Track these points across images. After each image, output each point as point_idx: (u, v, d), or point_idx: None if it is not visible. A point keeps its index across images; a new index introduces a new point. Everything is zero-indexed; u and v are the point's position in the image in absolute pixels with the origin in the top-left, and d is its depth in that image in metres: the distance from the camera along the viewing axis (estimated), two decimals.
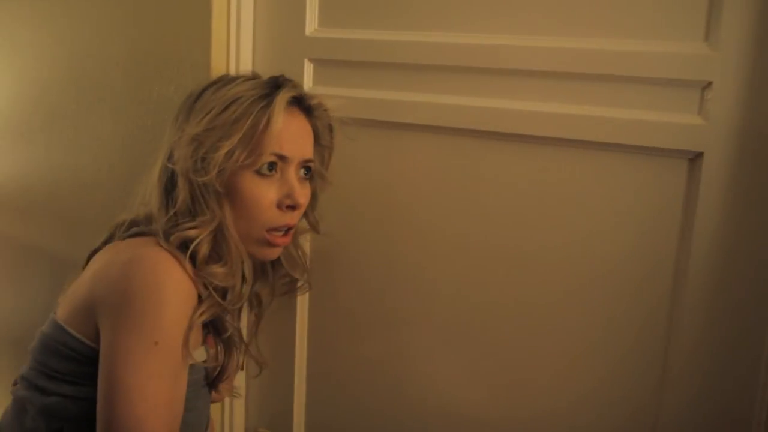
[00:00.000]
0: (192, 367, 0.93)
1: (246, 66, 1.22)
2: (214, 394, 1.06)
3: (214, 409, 1.31)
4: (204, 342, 0.99)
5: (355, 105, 1.14)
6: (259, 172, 0.95)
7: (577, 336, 1.03)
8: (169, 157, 0.96)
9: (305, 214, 1.09)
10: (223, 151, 0.92)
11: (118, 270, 0.86)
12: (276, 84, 0.99)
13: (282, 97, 0.95)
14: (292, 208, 0.98)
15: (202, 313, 0.91)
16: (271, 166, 0.96)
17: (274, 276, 1.13)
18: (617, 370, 1.00)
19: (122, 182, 1.30)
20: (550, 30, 0.99)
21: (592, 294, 1.01)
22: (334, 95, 1.14)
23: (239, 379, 1.33)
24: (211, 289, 0.92)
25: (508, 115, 1.03)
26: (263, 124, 0.93)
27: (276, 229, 0.98)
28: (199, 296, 0.91)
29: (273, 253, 1.02)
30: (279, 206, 0.97)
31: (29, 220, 1.54)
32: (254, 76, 1.01)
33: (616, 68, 0.95)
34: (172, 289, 0.85)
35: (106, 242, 1.00)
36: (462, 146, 1.08)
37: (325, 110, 1.06)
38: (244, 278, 0.98)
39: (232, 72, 1.21)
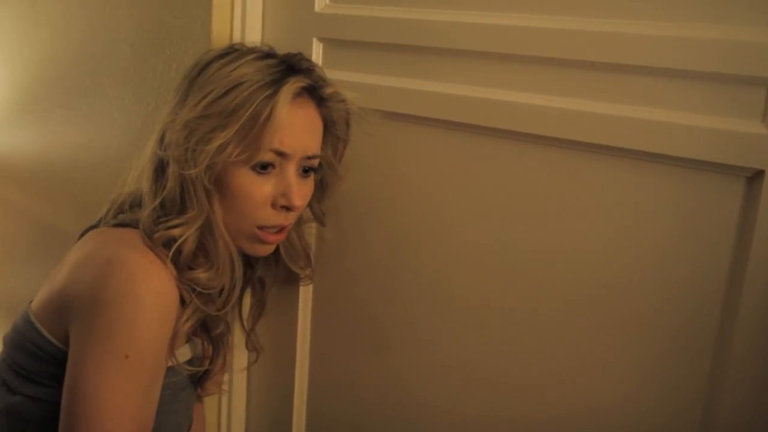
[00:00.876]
0: (170, 369, 0.86)
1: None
2: (200, 391, 0.99)
3: (212, 409, 1.22)
4: (189, 339, 0.91)
5: (369, 93, 1.00)
6: (254, 168, 0.85)
7: (614, 368, 0.86)
8: (161, 139, 0.87)
9: (310, 205, 0.99)
10: (215, 144, 0.82)
11: (94, 271, 0.79)
12: (288, 67, 0.88)
13: (289, 88, 0.84)
14: (287, 209, 0.88)
15: (186, 320, 0.84)
16: (267, 164, 0.86)
17: (276, 263, 1.04)
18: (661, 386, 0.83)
19: (127, 162, 1.23)
20: (590, 11, 0.82)
21: (632, 335, 0.84)
22: (345, 81, 1.01)
23: (241, 380, 1.23)
24: (197, 290, 0.84)
25: (540, 113, 0.86)
26: (264, 117, 0.83)
27: (267, 227, 0.89)
28: (184, 300, 0.84)
29: (265, 250, 0.93)
30: (273, 205, 0.88)
31: (49, 198, 1.50)
32: (268, 53, 0.90)
33: (661, 59, 0.76)
34: (149, 301, 0.78)
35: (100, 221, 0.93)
36: (486, 147, 0.92)
37: (342, 101, 0.94)
38: (233, 279, 0.90)
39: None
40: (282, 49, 0.95)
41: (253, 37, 1.10)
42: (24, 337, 0.85)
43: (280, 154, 0.86)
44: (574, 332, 0.88)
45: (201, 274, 0.85)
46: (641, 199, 0.81)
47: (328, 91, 0.91)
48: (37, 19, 1.42)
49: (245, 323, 1.08)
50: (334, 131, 0.95)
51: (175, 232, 0.83)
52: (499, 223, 0.93)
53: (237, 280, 0.90)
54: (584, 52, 0.82)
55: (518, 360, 0.93)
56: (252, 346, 1.10)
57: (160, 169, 0.87)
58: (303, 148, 0.88)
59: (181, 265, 0.84)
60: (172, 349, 0.83)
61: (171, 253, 0.82)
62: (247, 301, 1.09)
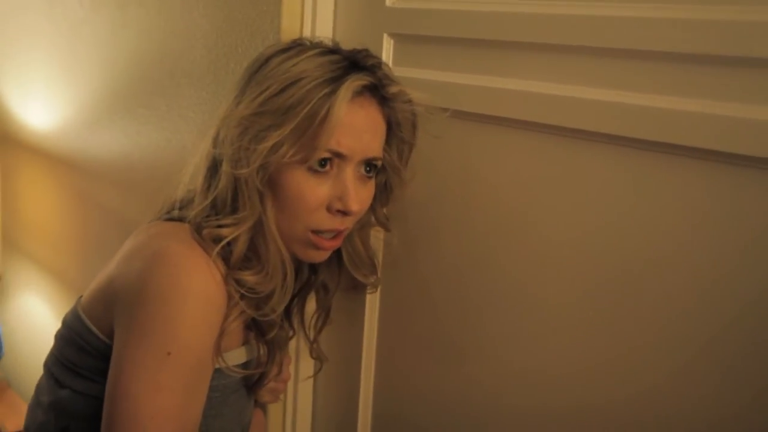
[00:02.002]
0: (219, 371, 0.83)
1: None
2: (256, 397, 0.97)
3: (277, 416, 1.19)
4: (246, 342, 0.89)
5: (442, 91, 0.94)
6: (310, 168, 0.81)
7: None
8: (217, 136, 0.84)
9: (373, 210, 0.94)
10: (269, 143, 0.78)
11: (140, 264, 0.77)
12: (352, 64, 0.83)
13: (349, 86, 0.79)
14: (344, 213, 0.84)
15: (233, 320, 0.80)
16: (324, 162, 0.82)
17: (339, 269, 0.99)
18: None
19: None
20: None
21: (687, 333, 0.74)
22: (417, 79, 0.95)
23: (307, 387, 1.20)
24: (242, 293, 0.81)
25: (627, 111, 0.77)
26: (321, 116, 0.78)
27: (322, 232, 0.85)
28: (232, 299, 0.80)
29: (319, 256, 0.89)
30: (329, 209, 0.84)
31: (133, 197, 1.52)
32: (332, 49, 0.85)
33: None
34: (193, 295, 0.75)
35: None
36: (564, 148, 0.84)
37: (408, 101, 0.88)
38: (285, 285, 0.86)
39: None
40: (352, 46, 0.91)
41: (324, 33, 1.07)
42: (72, 331, 0.84)
43: (338, 155, 0.82)
44: (661, 337, 0.79)
45: (249, 276, 0.81)
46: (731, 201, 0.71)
47: (393, 90, 0.86)
48: (125, 21, 1.45)
49: (308, 331, 1.04)
50: (399, 133, 0.90)
51: (225, 231, 0.80)
52: (578, 226, 0.85)
53: (288, 287, 0.86)
54: (682, 45, 0.72)
55: (598, 368, 0.85)
56: (316, 354, 1.06)
57: (213, 167, 0.84)
58: (362, 149, 0.83)
59: (232, 264, 0.81)
60: (218, 349, 0.80)
61: (221, 250, 0.80)
62: (311, 308, 1.05)
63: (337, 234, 0.86)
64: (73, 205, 1.73)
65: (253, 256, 0.83)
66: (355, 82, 0.80)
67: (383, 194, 0.94)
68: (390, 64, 1.00)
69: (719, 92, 0.71)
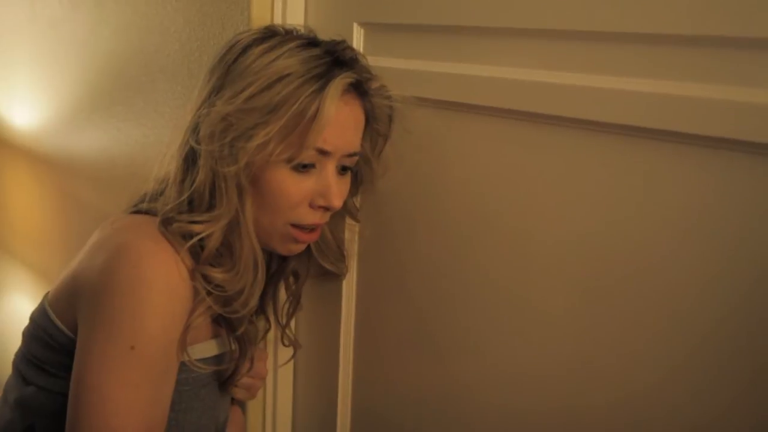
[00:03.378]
0: (185, 365, 0.82)
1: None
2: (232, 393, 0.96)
3: (256, 408, 1.19)
4: (217, 335, 0.88)
5: (413, 80, 0.94)
6: (294, 168, 0.81)
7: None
8: (194, 129, 0.82)
9: None
10: (256, 142, 0.77)
11: (104, 257, 0.76)
12: (334, 59, 0.83)
13: (338, 84, 0.79)
14: (325, 208, 0.85)
15: (197, 316, 0.79)
16: (308, 164, 0.82)
17: (309, 256, 0.99)
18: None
19: None
20: None
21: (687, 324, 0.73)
22: (388, 68, 0.95)
23: (287, 377, 1.20)
24: (209, 289, 0.79)
25: (606, 97, 0.76)
26: (310, 114, 0.78)
27: (302, 226, 0.85)
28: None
29: (298, 249, 0.89)
30: (311, 204, 0.84)
31: (113, 194, 1.52)
32: (310, 41, 0.84)
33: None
34: (156, 288, 0.74)
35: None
36: (541, 136, 0.83)
37: (387, 96, 0.89)
38: (254, 284, 0.85)
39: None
40: (322, 36, 0.90)
41: (294, 23, 1.06)
42: (39, 327, 0.84)
43: (323, 153, 0.82)
44: (623, 322, 0.78)
45: (219, 274, 0.80)
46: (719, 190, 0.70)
47: (374, 85, 0.87)
48: (102, 18, 1.44)
49: (280, 318, 1.04)
50: (375, 126, 0.90)
51: (197, 227, 0.79)
52: (555, 215, 0.83)
53: (258, 284, 0.85)
54: (653, 26, 0.71)
55: (571, 357, 0.84)
56: (288, 341, 1.06)
57: (190, 161, 0.82)
58: (346, 146, 0.84)
59: (202, 260, 0.80)
60: (184, 343, 0.79)
61: (190, 245, 0.79)
62: (282, 295, 1.05)
63: (315, 227, 0.86)
64: (55, 203, 1.73)
65: (226, 253, 0.82)
66: (343, 80, 0.80)
67: (353, 185, 0.94)
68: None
69: (700, 74, 0.70)
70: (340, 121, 0.82)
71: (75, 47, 1.54)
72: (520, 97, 0.84)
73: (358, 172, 0.93)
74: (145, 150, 1.36)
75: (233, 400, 1.03)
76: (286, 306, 1.03)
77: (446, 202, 0.95)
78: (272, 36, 0.83)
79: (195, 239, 0.79)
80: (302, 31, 0.87)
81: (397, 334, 1.05)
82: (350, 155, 0.85)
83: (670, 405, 0.75)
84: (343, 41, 0.87)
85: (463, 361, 0.96)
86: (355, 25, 1.00)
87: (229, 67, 0.81)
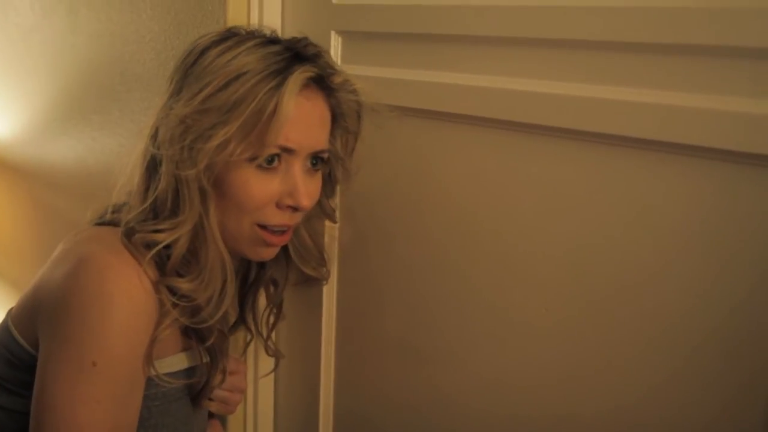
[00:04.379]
0: (154, 380, 0.80)
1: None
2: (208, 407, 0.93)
3: (238, 417, 1.18)
4: (187, 348, 0.86)
5: (392, 88, 0.94)
6: (258, 166, 0.79)
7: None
8: (154, 135, 0.80)
9: (319, 201, 0.91)
10: (215, 142, 0.75)
11: (63, 272, 0.74)
12: (294, 55, 0.80)
13: (296, 79, 0.77)
14: (294, 209, 0.82)
15: (164, 328, 0.77)
16: (273, 158, 0.79)
17: (288, 262, 0.97)
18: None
19: None
20: None
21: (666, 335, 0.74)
22: (366, 76, 0.94)
23: (268, 386, 1.19)
24: (173, 301, 0.77)
25: (578, 104, 0.76)
26: (269, 111, 0.75)
27: (270, 227, 0.82)
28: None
29: (268, 253, 0.86)
30: (278, 205, 0.81)
31: (89, 204, 1.50)
32: (270, 39, 0.82)
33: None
34: (117, 302, 0.72)
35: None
36: (515, 143, 0.84)
37: (352, 91, 0.86)
38: (223, 293, 0.82)
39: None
40: None
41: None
42: (1, 344, 0.81)
43: (286, 150, 0.79)
44: (606, 332, 0.78)
45: (184, 284, 0.78)
46: (688, 196, 0.71)
47: (338, 80, 0.84)
48: (76, 26, 1.42)
49: (261, 328, 1.02)
50: (343, 123, 0.88)
51: (160, 236, 0.77)
52: (532, 222, 0.84)
53: (227, 294, 0.82)
54: (625, 34, 0.72)
55: (547, 361, 0.84)
56: (272, 351, 1.04)
57: (152, 167, 0.80)
58: (311, 143, 0.81)
59: (168, 270, 0.78)
60: (150, 357, 0.76)
61: (154, 255, 0.76)
62: (261, 304, 1.03)
63: (285, 229, 0.84)
64: (28, 213, 1.70)
65: (192, 260, 0.79)
66: (302, 74, 0.77)
67: (328, 185, 0.92)
68: (338, 62, 0.99)
69: (673, 83, 0.71)
70: (301, 118, 0.79)
71: (48, 56, 1.52)
72: (496, 106, 0.84)
73: (331, 171, 0.91)
74: (120, 160, 1.34)
75: (212, 415, 1.01)
76: (266, 315, 1.01)
77: (426, 209, 0.95)
78: (232, 36, 0.81)
79: (158, 248, 0.76)
80: (266, 31, 0.85)
81: (377, 341, 1.04)
82: (317, 152, 0.83)
83: (661, 414, 0.76)
84: (305, 37, 0.84)
85: (442, 369, 0.96)
86: (332, 33, 1.00)
87: (187, 70, 0.80)
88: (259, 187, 0.79)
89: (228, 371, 0.90)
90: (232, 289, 0.84)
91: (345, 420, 1.12)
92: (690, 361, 0.72)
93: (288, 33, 1.05)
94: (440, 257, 0.94)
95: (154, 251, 0.76)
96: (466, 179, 0.90)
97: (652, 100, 0.70)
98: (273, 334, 1.04)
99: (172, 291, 0.77)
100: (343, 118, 0.87)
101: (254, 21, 1.04)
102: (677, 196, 0.71)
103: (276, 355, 1.05)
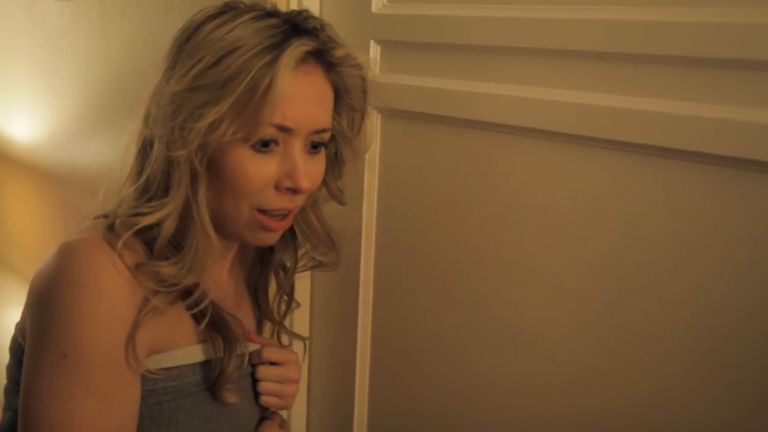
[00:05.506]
0: (163, 371, 0.75)
1: None
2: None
3: None
4: (205, 340, 0.80)
5: (429, 97, 0.95)
6: (253, 146, 0.73)
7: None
8: (147, 116, 0.76)
9: (325, 183, 0.86)
10: (206, 121, 0.70)
11: (44, 264, 0.71)
12: (291, 28, 0.74)
13: (292, 53, 0.71)
14: (293, 191, 0.77)
15: (145, 314, 0.72)
16: (268, 141, 0.74)
17: (295, 245, 0.91)
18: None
19: None
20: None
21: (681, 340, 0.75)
22: (404, 84, 0.96)
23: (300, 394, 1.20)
24: (154, 287, 0.73)
25: (603, 113, 0.79)
26: (263, 87, 0.70)
27: (270, 211, 0.77)
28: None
29: (269, 238, 0.81)
30: (277, 187, 0.76)
31: None
32: (270, 12, 0.76)
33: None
34: (87, 290, 0.68)
35: None
36: (555, 152, 0.85)
37: (355, 65, 0.80)
38: (210, 273, 0.79)
39: None
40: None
41: None
42: (13, 345, 0.79)
43: (284, 130, 0.74)
44: (617, 335, 0.81)
45: (165, 268, 0.73)
46: (692, 202, 0.73)
47: (339, 53, 0.77)
48: (107, 31, 1.44)
49: (274, 313, 0.95)
50: (348, 100, 0.82)
51: (141, 219, 0.72)
52: (566, 227, 0.86)
53: (214, 275, 0.79)
54: (641, 46, 0.74)
55: (560, 363, 0.87)
56: (288, 338, 0.97)
57: (145, 149, 0.76)
58: (310, 121, 0.76)
59: (155, 254, 0.74)
60: (133, 347, 0.71)
61: (144, 241, 0.73)
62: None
63: (286, 213, 0.79)
64: (57, 217, 1.72)
65: (179, 244, 0.75)
66: (298, 48, 0.72)
67: (335, 166, 0.86)
68: (377, 70, 1.01)
69: (708, 95, 0.72)
70: (299, 94, 0.74)
71: (78, 60, 1.53)
72: (532, 115, 0.86)
73: (338, 151, 0.86)
74: None
75: (266, 411, 0.93)
76: (277, 301, 0.95)
77: (461, 214, 0.96)
78: (229, 10, 0.76)
79: (133, 230, 0.72)
80: (267, 5, 0.80)
81: (414, 348, 1.06)
82: (318, 132, 0.77)
83: (679, 412, 0.78)
84: (306, 10, 0.79)
85: (481, 367, 0.98)
86: (372, 41, 1.02)
87: (181, 46, 0.75)
88: (255, 169, 0.74)
89: (273, 361, 0.87)
90: (222, 273, 0.82)
91: (379, 418, 1.13)
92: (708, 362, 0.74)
93: None
94: (479, 261, 0.96)
95: (128, 234, 0.72)
96: (503, 185, 0.91)
97: (687, 111, 0.73)
98: (287, 322, 0.99)
99: (156, 276, 0.73)
100: (348, 94, 0.81)
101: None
102: (697, 201, 0.74)
103: (299, 339, 0.99)
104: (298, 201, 0.79)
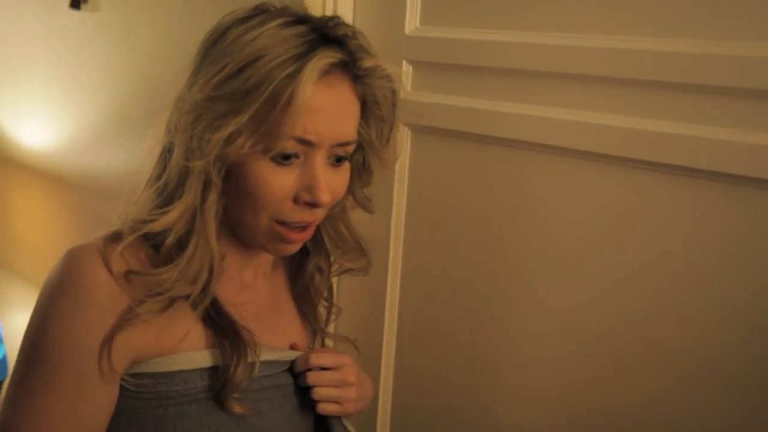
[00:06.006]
0: (165, 375, 0.74)
1: None
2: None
3: None
4: (214, 346, 0.77)
5: (458, 115, 1.02)
6: (273, 159, 0.72)
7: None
8: (170, 121, 0.75)
9: (352, 191, 0.84)
10: (225, 133, 0.69)
11: None
12: (319, 36, 0.72)
13: (315, 65, 0.69)
14: (312, 205, 0.75)
15: (128, 320, 0.71)
16: (289, 155, 0.72)
17: (327, 248, 0.90)
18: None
19: None
20: (687, 32, 0.82)
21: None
22: (434, 103, 1.02)
23: None
24: (140, 297, 0.72)
25: (628, 135, 0.87)
26: (285, 100, 0.68)
27: (289, 224, 0.75)
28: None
29: (288, 249, 0.79)
30: (296, 200, 0.74)
31: None
32: (300, 18, 0.74)
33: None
34: (67, 291, 0.70)
35: None
36: (573, 167, 0.93)
37: (384, 77, 0.77)
38: (205, 291, 0.76)
39: None
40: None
41: None
42: None
43: (305, 143, 0.72)
44: (662, 346, 0.88)
45: (157, 276, 0.72)
46: (720, 220, 0.80)
47: (367, 64, 0.74)
48: (132, 43, 1.48)
49: (315, 319, 0.92)
50: (377, 111, 0.79)
51: (150, 226, 0.72)
52: (588, 240, 0.93)
53: (208, 294, 0.75)
54: (667, 73, 0.82)
55: (584, 363, 0.93)
56: (340, 341, 0.95)
57: (165, 154, 0.75)
58: (333, 135, 0.73)
59: (158, 261, 0.73)
60: (108, 356, 0.71)
61: (146, 247, 0.73)
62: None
63: (306, 225, 0.76)
64: (73, 222, 1.75)
65: (178, 253, 0.74)
66: (322, 60, 0.70)
67: (363, 175, 0.84)
68: (408, 89, 1.07)
69: (717, 118, 0.80)
70: (322, 107, 0.71)
71: (101, 69, 1.57)
72: (555, 134, 0.94)
73: (365, 160, 0.83)
74: None
75: (325, 419, 0.86)
76: (319, 309, 0.93)
77: (490, 226, 1.03)
78: (259, 14, 0.74)
79: (135, 235, 0.72)
80: (297, 10, 0.77)
81: (439, 354, 1.12)
82: (342, 144, 0.74)
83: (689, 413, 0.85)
84: (336, 16, 0.76)
85: (504, 370, 1.04)
86: (404, 61, 1.08)
87: (206, 51, 0.73)
88: (275, 182, 0.72)
89: (324, 365, 0.83)
90: (252, 279, 0.81)
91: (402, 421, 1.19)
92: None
93: None
94: (498, 268, 1.03)
95: (130, 239, 0.72)
96: (530, 200, 0.99)
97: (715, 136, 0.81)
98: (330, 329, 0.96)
99: (150, 285, 0.72)
100: (377, 106, 0.78)
101: None
102: (724, 220, 0.81)
103: (346, 340, 0.96)
104: (318, 214, 0.77)
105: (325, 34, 0.72)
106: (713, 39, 0.80)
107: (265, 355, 0.79)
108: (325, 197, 0.73)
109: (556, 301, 0.97)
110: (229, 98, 0.68)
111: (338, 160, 0.75)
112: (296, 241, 0.77)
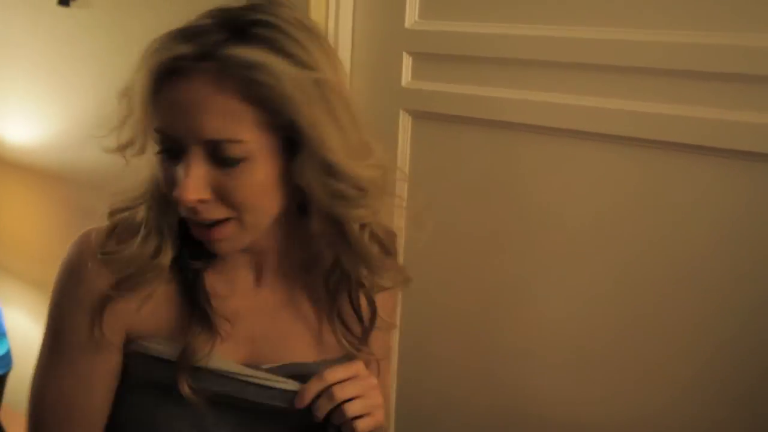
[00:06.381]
0: (139, 359, 0.79)
1: (345, 64, 1.17)
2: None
3: None
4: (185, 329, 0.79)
5: (458, 102, 1.09)
6: (159, 154, 0.74)
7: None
8: None
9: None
10: (130, 132, 0.76)
11: None
12: (178, 33, 0.72)
13: (149, 60, 0.70)
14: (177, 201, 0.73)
15: (107, 296, 0.78)
16: (165, 148, 0.72)
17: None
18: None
19: None
20: (679, 24, 0.91)
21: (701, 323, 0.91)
22: (433, 90, 1.09)
23: None
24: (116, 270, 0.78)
25: (626, 116, 0.96)
26: (142, 96, 0.72)
27: (191, 221, 0.75)
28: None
29: (217, 248, 0.76)
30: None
31: None
32: (216, 10, 0.74)
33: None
34: (65, 271, 0.80)
35: None
36: (573, 148, 1.01)
37: (247, 65, 0.68)
38: (156, 264, 0.78)
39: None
40: (372, 62, 1.06)
41: (343, 53, 1.19)
42: None
43: (169, 137, 0.72)
44: (667, 327, 0.98)
45: (124, 252, 0.77)
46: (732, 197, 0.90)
47: (227, 53, 0.69)
48: (126, 39, 1.50)
49: (345, 338, 0.86)
50: (255, 94, 0.70)
51: (120, 204, 0.82)
52: (593, 221, 1.01)
53: (159, 266, 0.78)
54: (679, 61, 0.91)
55: (611, 364, 1.02)
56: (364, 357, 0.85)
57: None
58: (192, 129, 0.70)
59: (123, 237, 0.79)
60: (100, 327, 0.78)
61: (127, 229, 0.79)
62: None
63: (213, 223, 0.73)
64: (63, 217, 1.75)
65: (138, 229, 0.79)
66: (156, 54, 0.70)
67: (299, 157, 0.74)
68: (409, 78, 1.14)
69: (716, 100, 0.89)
70: (170, 99, 0.70)
71: (94, 66, 1.58)
72: (545, 115, 1.02)
73: (301, 142, 0.72)
74: None
75: None
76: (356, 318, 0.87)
77: (491, 208, 1.10)
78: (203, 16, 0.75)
79: (112, 222, 0.81)
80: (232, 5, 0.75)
81: (441, 340, 1.18)
82: (214, 142, 0.70)
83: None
84: (258, 5, 0.73)
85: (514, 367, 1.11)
86: (404, 53, 1.14)
87: None
88: (161, 176, 0.74)
89: (340, 380, 0.77)
90: (166, 265, 0.79)
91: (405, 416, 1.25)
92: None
93: (358, 54, 1.18)
94: (505, 255, 1.10)
95: (106, 226, 0.81)
96: (532, 182, 1.06)
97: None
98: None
99: (118, 263, 0.78)
100: (250, 87, 0.69)
101: (330, 34, 1.16)
102: (736, 197, 0.90)
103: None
104: (211, 211, 0.72)
105: (183, 29, 0.72)
106: (706, 30, 0.89)
107: (236, 368, 0.78)
108: (187, 193, 0.70)
109: (562, 285, 1.05)
110: (129, 98, 0.75)
111: (225, 162, 0.71)
112: (214, 239, 0.74)
